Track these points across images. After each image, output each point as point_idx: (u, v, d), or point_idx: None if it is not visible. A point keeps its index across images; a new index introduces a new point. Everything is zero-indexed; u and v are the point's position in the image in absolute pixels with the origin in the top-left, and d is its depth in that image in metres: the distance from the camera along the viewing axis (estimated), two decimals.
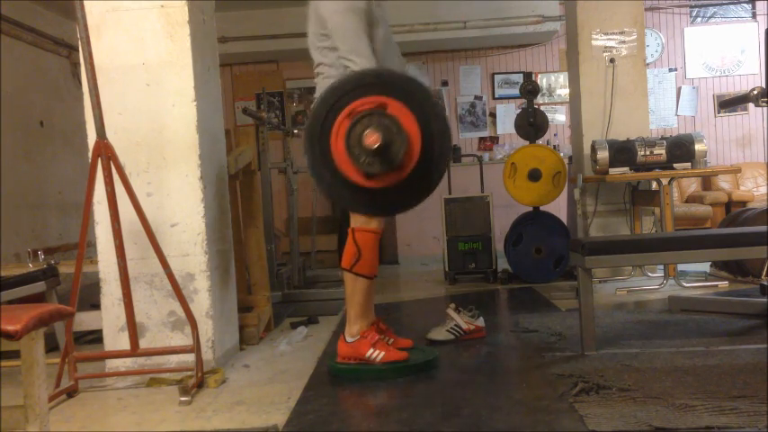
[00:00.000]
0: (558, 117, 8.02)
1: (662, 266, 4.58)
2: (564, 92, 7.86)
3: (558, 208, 5.68)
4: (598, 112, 5.03)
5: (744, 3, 7.86)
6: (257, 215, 3.82)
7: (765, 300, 3.28)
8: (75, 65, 6.22)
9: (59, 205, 6.02)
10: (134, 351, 2.71)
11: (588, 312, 2.80)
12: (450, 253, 5.22)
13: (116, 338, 2.92)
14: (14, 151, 5.45)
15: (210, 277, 2.95)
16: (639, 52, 5.05)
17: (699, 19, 7.95)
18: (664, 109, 7.95)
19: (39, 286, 3.18)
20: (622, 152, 4.46)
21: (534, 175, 4.96)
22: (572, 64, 5.30)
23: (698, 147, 4.41)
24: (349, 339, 2.76)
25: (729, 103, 7.11)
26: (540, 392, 2.35)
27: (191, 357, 2.74)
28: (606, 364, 2.59)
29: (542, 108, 6.44)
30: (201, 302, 2.92)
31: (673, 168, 4.43)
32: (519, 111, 5.54)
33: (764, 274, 4.13)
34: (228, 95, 7.97)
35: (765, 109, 5.18)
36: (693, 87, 7.95)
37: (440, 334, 3.20)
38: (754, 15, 7.87)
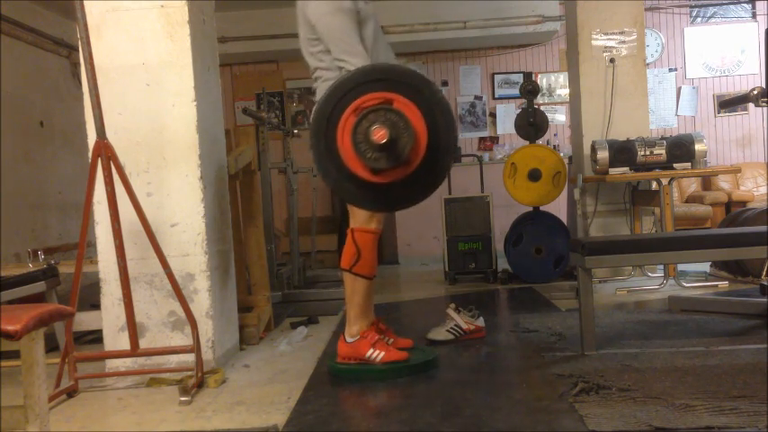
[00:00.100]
0: (558, 117, 8.02)
1: (662, 266, 4.58)
2: (564, 92, 7.86)
3: (558, 208, 5.68)
4: (598, 112, 5.03)
5: (744, 3, 7.87)
6: (257, 215, 3.82)
7: (765, 300, 3.28)
8: (75, 65, 6.22)
9: (59, 205, 6.02)
10: (134, 351, 2.71)
11: (588, 312, 2.80)
12: (450, 253, 5.22)
13: (116, 338, 2.92)
14: (14, 151, 5.45)
15: (210, 277, 2.95)
16: (639, 52, 5.05)
17: (699, 19, 7.95)
18: (664, 109, 7.95)
19: (39, 286, 3.19)
20: (622, 152, 4.46)
21: (534, 175, 4.96)
22: (572, 64, 5.30)
23: (698, 147, 4.41)
24: (349, 339, 2.76)
25: (729, 103, 7.11)
26: (540, 392, 2.35)
27: (191, 357, 2.74)
28: (606, 364, 2.59)
29: (542, 108, 6.44)
30: (201, 302, 2.92)
31: (673, 168, 4.43)
32: (519, 111, 5.53)
33: (764, 274, 4.13)
34: (228, 95, 7.97)
35: (765, 109, 5.18)
36: (693, 87, 7.95)
37: (440, 334, 3.20)
38: (754, 15, 7.87)
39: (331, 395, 2.52)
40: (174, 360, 2.89)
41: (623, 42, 5.02)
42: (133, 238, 2.81)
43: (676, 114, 7.95)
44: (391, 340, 2.84)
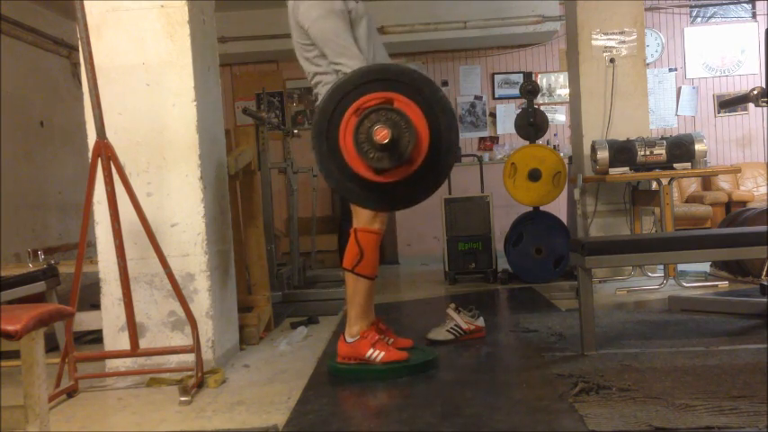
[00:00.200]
0: (558, 117, 8.02)
1: (662, 266, 4.58)
2: (564, 92, 7.86)
3: (558, 208, 5.68)
4: (598, 112, 5.03)
5: (744, 3, 7.87)
6: (257, 215, 3.82)
7: (765, 300, 3.28)
8: (75, 65, 6.23)
9: (59, 205, 6.03)
10: (134, 351, 2.71)
11: (588, 312, 2.80)
12: (450, 253, 5.22)
13: (116, 338, 2.92)
14: (14, 151, 5.45)
15: (210, 277, 2.95)
16: (639, 52, 5.05)
17: (699, 19, 7.95)
18: (664, 109, 7.95)
19: (39, 286, 3.19)
20: (622, 152, 4.46)
21: (534, 175, 4.96)
22: (572, 64, 5.29)
23: (698, 147, 4.41)
24: (349, 339, 2.76)
25: (729, 103, 7.11)
26: (540, 392, 2.35)
27: (191, 357, 2.74)
28: (606, 364, 2.58)
29: (542, 108, 6.44)
30: (201, 302, 2.92)
31: (673, 168, 4.43)
32: (519, 111, 5.54)
33: (764, 274, 4.13)
34: (228, 95, 7.97)
35: (765, 109, 5.18)
36: (693, 87, 7.95)
37: (440, 334, 3.20)
38: (754, 15, 7.87)
39: (331, 395, 2.52)
40: (174, 360, 2.89)
41: (623, 42, 5.02)
42: (133, 238, 2.81)
43: (676, 114, 7.95)
44: (391, 340, 2.84)
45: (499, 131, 8.09)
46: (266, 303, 3.71)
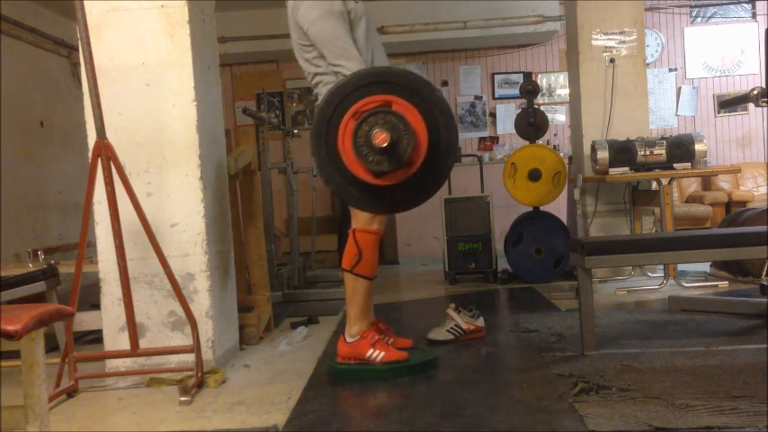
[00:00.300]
0: (558, 117, 8.02)
1: (662, 266, 4.58)
2: (564, 92, 7.87)
3: (558, 208, 5.68)
4: (598, 112, 5.03)
5: (744, 3, 7.87)
6: (257, 215, 3.82)
7: (765, 300, 3.28)
8: (75, 65, 6.23)
9: (59, 205, 6.03)
10: (134, 351, 2.71)
11: (588, 312, 2.80)
12: (450, 253, 5.22)
13: (116, 338, 2.92)
14: (14, 151, 5.45)
15: (210, 277, 2.95)
16: (639, 52, 5.05)
17: (699, 19, 7.95)
18: (664, 109, 7.95)
19: (39, 286, 3.19)
20: (622, 152, 4.46)
21: (534, 175, 4.97)
22: (572, 64, 5.29)
23: (698, 147, 4.41)
24: (349, 339, 2.76)
25: (729, 103, 7.11)
26: (540, 392, 2.35)
27: (191, 357, 2.74)
28: (606, 364, 2.59)
29: (542, 108, 6.44)
30: (201, 302, 2.92)
31: (673, 168, 4.43)
32: (519, 111, 5.54)
33: (764, 274, 4.13)
34: (228, 95, 7.97)
35: (765, 109, 5.18)
36: (693, 87, 7.95)
37: (440, 334, 3.20)
38: (754, 15, 7.87)
39: (331, 395, 2.52)
40: (173, 360, 2.89)
41: (623, 42, 5.02)
42: (133, 238, 2.81)
43: (676, 114, 7.95)
44: (391, 340, 2.84)
45: (499, 131, 8.10)
46: (266, 303, 3.71)
